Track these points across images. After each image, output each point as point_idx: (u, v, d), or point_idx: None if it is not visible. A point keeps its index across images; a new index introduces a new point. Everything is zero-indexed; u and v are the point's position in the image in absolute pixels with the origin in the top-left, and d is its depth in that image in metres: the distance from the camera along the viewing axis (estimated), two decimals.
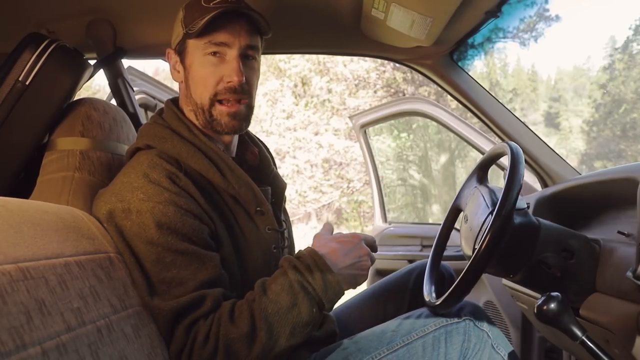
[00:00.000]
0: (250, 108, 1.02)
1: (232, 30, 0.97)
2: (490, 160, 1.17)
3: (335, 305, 1.28)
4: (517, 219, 0.98)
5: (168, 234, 0.86)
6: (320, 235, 0.95)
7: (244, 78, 0.97)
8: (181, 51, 1.02)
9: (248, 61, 1.00)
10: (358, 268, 0.91)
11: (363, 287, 1.23)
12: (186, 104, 1.03)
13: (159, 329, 0.84)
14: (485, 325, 0.91)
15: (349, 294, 1.21)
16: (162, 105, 1.73)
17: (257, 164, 1.13)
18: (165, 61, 1.60)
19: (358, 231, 1.15)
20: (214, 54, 0.97)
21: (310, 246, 0.93)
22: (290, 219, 1.22)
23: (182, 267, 0.86)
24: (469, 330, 0.91)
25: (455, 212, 1.24)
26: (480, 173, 1.18)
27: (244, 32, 0.98)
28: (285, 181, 1.17)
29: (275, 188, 1.12)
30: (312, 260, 0.87)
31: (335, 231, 0.98)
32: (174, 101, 1.07)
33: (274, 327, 0.83)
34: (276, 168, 1.18)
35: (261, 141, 1.19)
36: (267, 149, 1.19)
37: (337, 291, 0.87)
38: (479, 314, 0.93)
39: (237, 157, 1.10)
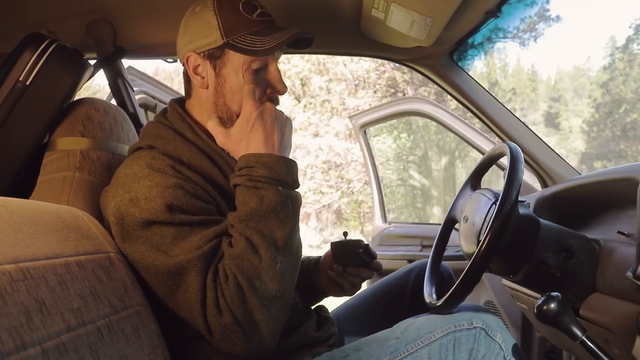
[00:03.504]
0: None
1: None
2: (488, 163, 1.18)
3: (335, 307, 1.29)
4: (520, 210, 0.99)
5: (180, 214, 0.86)
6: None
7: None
8: (215, 57, 0.97)
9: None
10: (270, 123, 0.91)
11: (363, 287, 1.23)
12: (208, 110, 1.00)
13: (191, 289, 0.83)
14: (498, 336, 0.87)
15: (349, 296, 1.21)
16: (163, 105, 1.70)
17: None
18: (166, 61, 1.61)
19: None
20: (258, 68, 0.98)
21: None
22: None
23: (202, 229, 0.87)
24: (479, 339, 0.87)
25: (450, 222, 1.24)
26: (474, 181, 1.19)
27: (284, 46, 1.00)
28: None
29: None
30: (245, 161, 0.90)
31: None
32: (178, 102, 1.05)
33: (260, 225, 0.85)
34: None
35: None
36: None
37: (283, 163, 0.89)
38: (493, 324, 0.88)
39: None
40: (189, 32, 0.99)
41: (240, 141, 0.92)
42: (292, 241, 0.87)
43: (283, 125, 0.94)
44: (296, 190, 0.91)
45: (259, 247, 0.84)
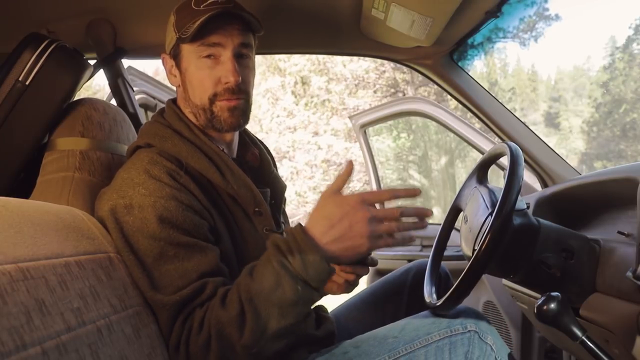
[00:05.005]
0: (248, 104, 1.03)
1: (224, 30, 0.97)
2: (490, 160, 1.17)
3: (334, 306, 1.29)
4: (517, 220, 0.98)
5: (170, 228, 0.86)
6: (325, 196, 0.84)
7: (240, 78, 0.98)
8: (176, 55, 1.02)
9: (243, 60, 1.00)
10: (349, 238, 0.81)
11: (362, 287, 1.23)
12: (185, 106, 1.04)
13: (160, 323, 0.85)
14: (489, 338, 0.89)
15: (348, 295, 1.21)
16: (162, 105, 1.71)
17: (258, 165, 1.13)
18: None
19: None
20: (209, 56, 0.98)
21: (299, 222, 0.88)
22: (290, 220, 1.22)
23: (185, 259, 0.86)
24: (473, 342, 0.88)
25: (455, 211, 1.24)
26: (480, 173, 1.18)
27: (237, 32, 0.98)
28: (285, 182, 1.17)
29: (274, 189, 1.12)
30: (293, 237, 0.82)
31: None
32: (175, 101, 1.07)
33: (260, 308, 0.81)
34: (276, 169, 1.18)
35: (262, 142, 1.20)
36: (268, 151, 1.19)
37: (318, 269, 0.81)
38: (484, 326, 0.90)
39: (238, 157, 1.10)
40: (166, 37, 1.04)
41: (318, 214, 0.83)
42: (284, 334, 0.84)
43: (355, 228, 0.81)
44: (317, 291, 0.84)
45: (246, 325, 0.81)
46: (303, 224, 0.84)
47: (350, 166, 0.86)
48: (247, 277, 0.84)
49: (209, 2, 0.97)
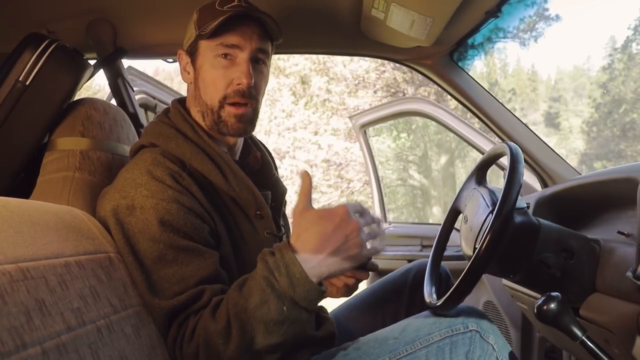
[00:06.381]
0: (256, 112, 1.03)
1: (244, 33, 0.98)
2: (490, 160, 1.17)
3: (335, 306, 1.29)
4: (517, 219, 0.98)
5: (170, 231, 0.86)
6: (300, 215, 0.83)
7: (253, 81, 0.99)
8: (192, 52, 1.03)
9: (258, 65, 1.01)
10: (346, 249, 0.80)
11: (362, 287, 1.23)
12: (194, 105, 1.04)
13: (157, 326, 0.85)
14: (491, 338, 0.89)
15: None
16: (163, 105, 1.70)
17: (259, 168, 1.14)
18: (166, 61, 1.62)
19: None
20: (225, 56, 0.98)
21: (288, 239, 0.86)
22: (290, 221, 1.22)
23: (184, 264, 0.86)
24: (474, 342, 0.88)
25: (454, 213, 1.24)
26: (479, 174, 1.18)
27: (256, 36, 0.99)
28: (285, 181, 1.17)
29: (275, 193, 1.13)
30: (280, 253, 0.81)
31: None
32: (180, 101, 1.07)
33: (246, 323, 0.80)
34: (277, 173, 1.19)
35: (264, 145, 1.20)
36: (270, 154, 1.20)
37: (308, 288, 0.79)
38: (485, 325, 0.90)
39: (240, 160, 1.11)
40: (185, 34, 1.05)
41: (304, 231, 0.82)
42: (274, 350, 0.82)
43: (351, 239, 0.81)
44: (306, 310, 0.82)
45: (232, 339, 0.80)
46: (290, 242, 0.82)
47: (307, 177, 0.85)
48: (237, 291, 0.83)
49: (233, 4, 0.99)
